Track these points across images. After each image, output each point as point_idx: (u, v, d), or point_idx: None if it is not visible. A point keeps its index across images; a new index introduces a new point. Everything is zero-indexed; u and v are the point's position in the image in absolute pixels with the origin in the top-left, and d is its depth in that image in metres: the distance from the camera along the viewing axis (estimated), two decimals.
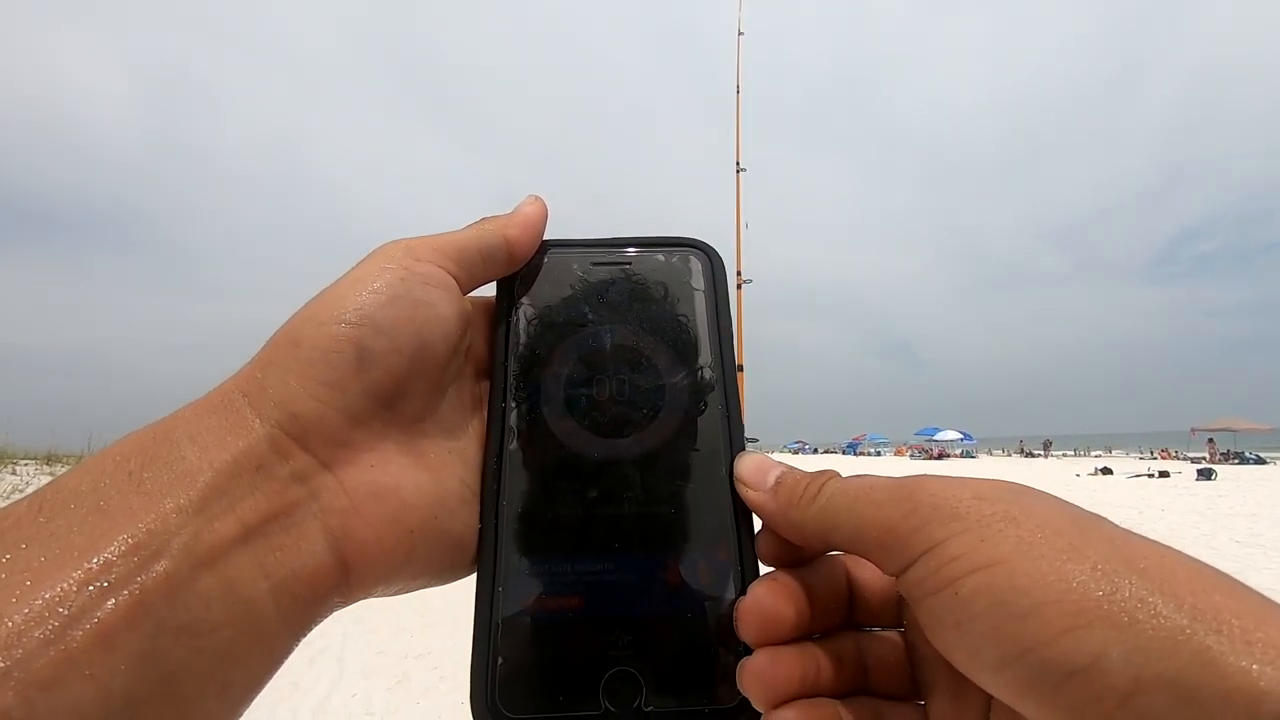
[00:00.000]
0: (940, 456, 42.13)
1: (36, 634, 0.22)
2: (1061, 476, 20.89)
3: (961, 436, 47.64)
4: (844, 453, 57.00)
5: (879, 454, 53.12)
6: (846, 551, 0.32)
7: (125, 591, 0.24)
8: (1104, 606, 0.22)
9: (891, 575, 0.29)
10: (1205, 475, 18.73)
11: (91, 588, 0.24)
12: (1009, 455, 46.08)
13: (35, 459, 8.37)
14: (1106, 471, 22.33)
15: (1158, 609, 0.21)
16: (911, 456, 43.52)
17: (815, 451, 64.25)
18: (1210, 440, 31.34)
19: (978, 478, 0.30)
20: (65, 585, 0.23)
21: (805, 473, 0.34)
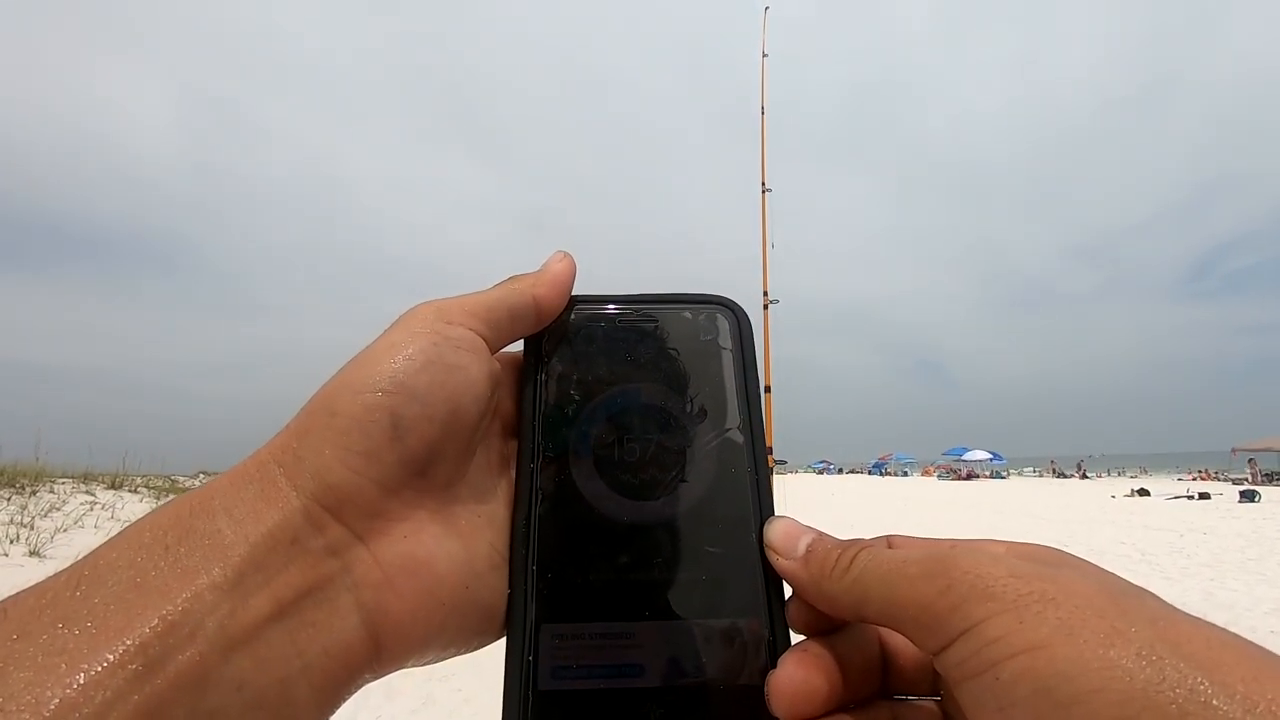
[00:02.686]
0: (969, 477, 41.37)
1: None
2: (1096, 498, 20.36)
3: (991, 457, 46.78)
4: (870, 472, 56.23)
5: (906, 474, 52.30)
6: (879, 625, 0.31)
7: (160, 676, 0.24)
8: (1151, 695, 0.21)
9: (928, 653, 0.28)
10: (1248, 497, 18.16)
11: (126, 671, 0.23)
12: (1040, 476, 45.09)
13: (72, 478, 8.56)
14: (1143, 493, 21.72)
15: (1207, 698, 0.21)
16: (939, 477, 42.80)
17: (840, 472, 63.49)
18: (1252, 460, 30.40)
19: (1013, 544, 0.29)
20: (100, 669, 0.23)
21: (836, 540, 0.34)
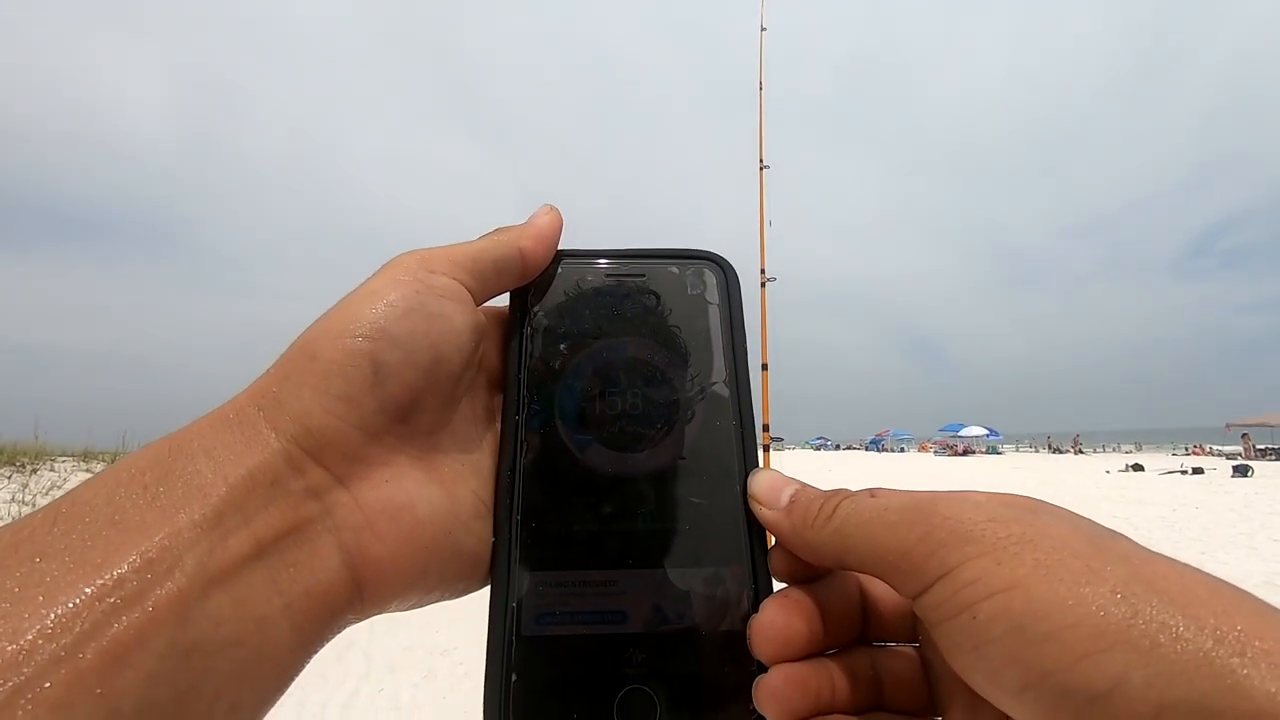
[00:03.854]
0: (965, 453, 41.57)
1: (47, 651, 0.22)
2: (1091, 473, 20.48)
3: (987, 433, 46.97)
4: (867, 449, 56.50)
5: (903, 450, 52.55)
6: (861, 572, 0.32)
7: (137, 609, 0.24)
8: (1124, 630, 0.22)
9: (908, 598, 0.28)
10: (1241, 472, 18.25)
11: (104, 604, 0.23)
12: (1037, 451, 45.33)
13: (72, 456, 8.57)
14: (1138, 468, 21.87)
15: (1179, 632, 0.21)
16: (935, 453, 42.99)
17: (838, 448, 63.75)
18: (1245, 435, 30.57)
19: (993, 494, 0.30)
20: (78, 601, 0.23)
21: (819, 491, 0.34)
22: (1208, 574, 0.24)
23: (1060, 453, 41.22)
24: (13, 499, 6.63)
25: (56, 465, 8.00)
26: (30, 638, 0.22)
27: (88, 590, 0.23)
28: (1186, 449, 36.10)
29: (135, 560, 0.25)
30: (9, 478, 7.18)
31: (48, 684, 0.22)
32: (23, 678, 0.21)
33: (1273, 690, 0.19)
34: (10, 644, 0.22)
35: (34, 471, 7.54)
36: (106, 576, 0.24)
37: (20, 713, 0.21)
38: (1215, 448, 35.97)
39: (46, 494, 6.97)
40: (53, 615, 0.23)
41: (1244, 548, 7.36)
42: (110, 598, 0.24)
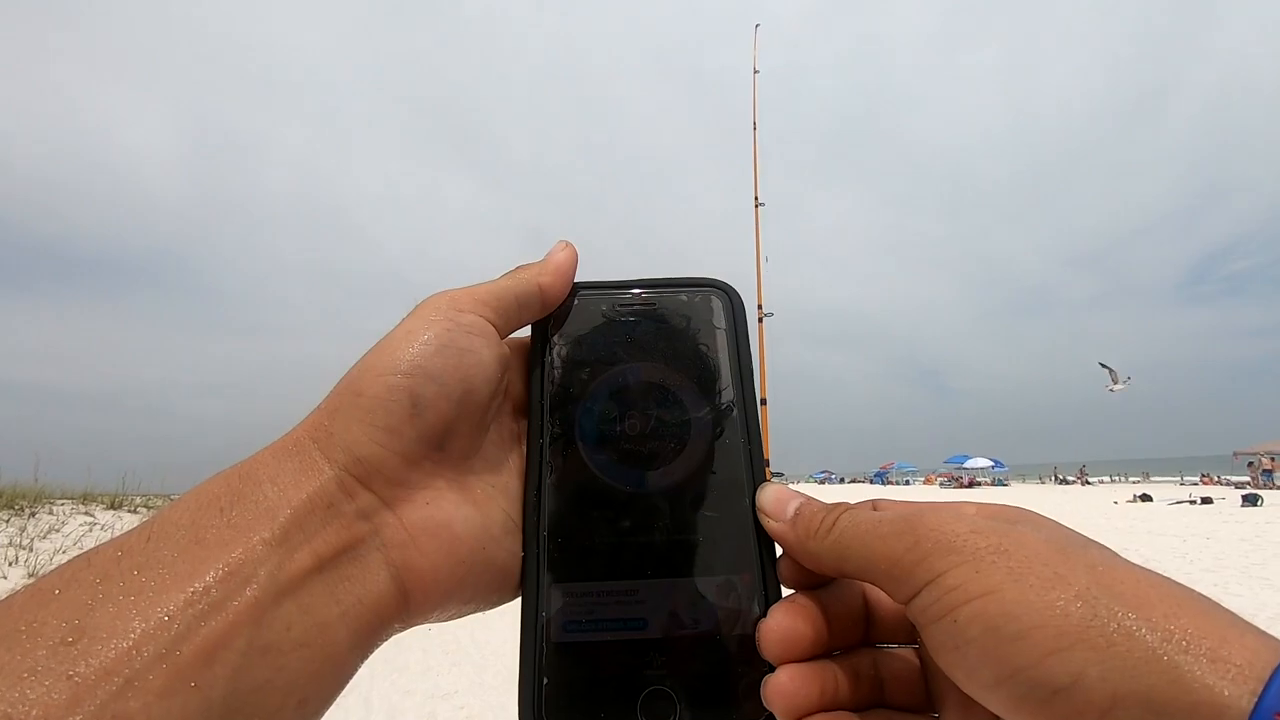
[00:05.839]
0: (971, 485, 41.29)
1: (150, 649, 0.26)
2: (1099, 504, 20.32)
3: (992, 464, 46.72)
4: (872, 482, 56.12)
5: (908, 483, 52.19)
6: (859, 579, 0.35)
7: (221, 614, 0.28)
8: (1084, 630, 0.25)
9: (899, 603, 0.31)
10: (1251, 501, 18.09)
11: (193, 609, 0.27)
12: (1042, 482, 44.98)
13: (71, 498, 8.51)
14: (1146, 498, 21.68)
15: (1132, 631, 0.24)
16: (941, 485, 42.69)
17: (842, 481, 63.31)
18: (1251, 464, 30.33)
19: (982, 505, 0.33)
20: (174, 606, 0.27)
21: (822, 504, 0.37)
22: (1164, 577, 0.27)
23: (1067, 483, 40.91)
24: (10, 543, 6.58)
25: (55, 508, 7.94)
26: (136, 637, 0.26)
27: (180, 598, 0.27)
28: (1198, 479, 35.80)
29: (218, 573, 0.29)
30: (8, 521, 7.13)
31: (152, 676, 0.26)
32: (134, 669, 0.25)
33: (1210, 683, 0.22)
34: (123, 640, 0.26)
35: (33, 515, 7.50)
36: (195, 586, 0.28)
37: (134, 701, 0.25)
38: (1225, 477, 35.67)
39: (44, 537, 6.92)
40: (154, 618, 0.27)
41: (1257, 579, 7.28)
42: (199, 604, 0.28)
